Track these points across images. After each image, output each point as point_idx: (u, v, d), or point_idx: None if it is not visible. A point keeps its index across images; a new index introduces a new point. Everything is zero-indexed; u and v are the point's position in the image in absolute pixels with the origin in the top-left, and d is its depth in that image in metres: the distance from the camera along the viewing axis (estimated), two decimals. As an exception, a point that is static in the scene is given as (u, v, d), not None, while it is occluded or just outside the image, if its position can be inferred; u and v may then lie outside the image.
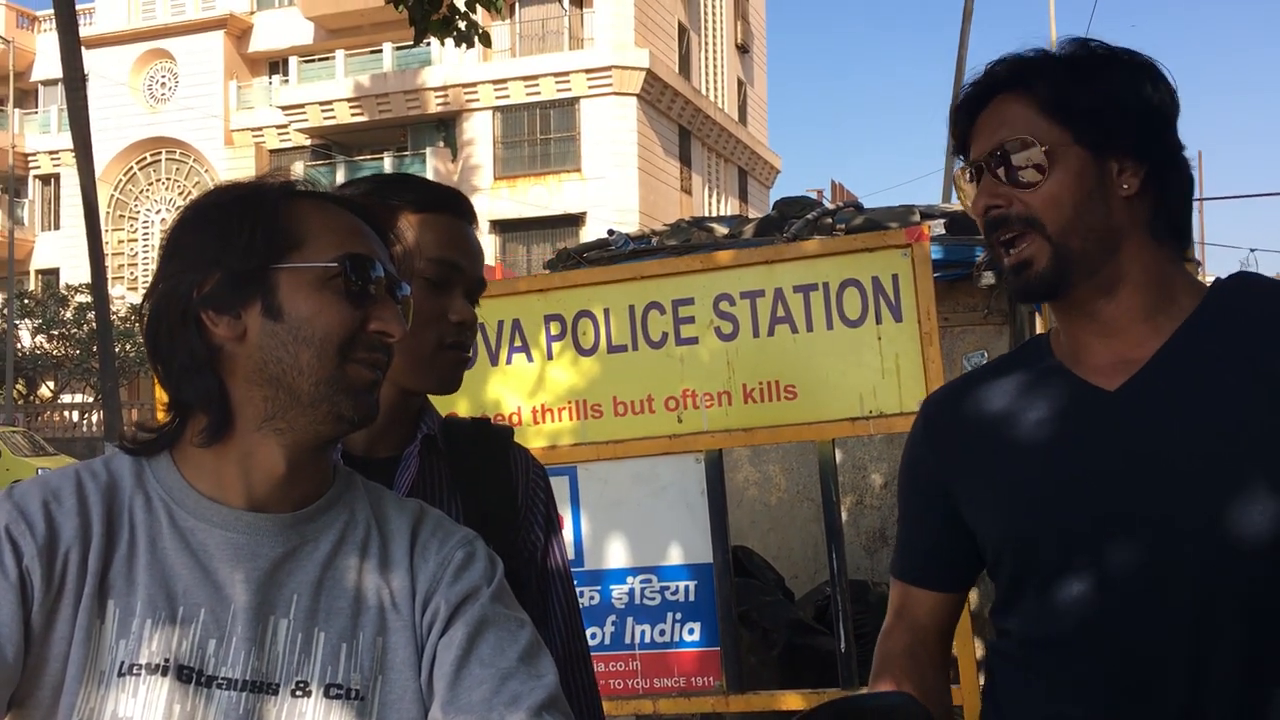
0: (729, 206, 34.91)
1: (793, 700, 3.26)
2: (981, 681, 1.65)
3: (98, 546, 1.10)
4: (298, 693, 1.12)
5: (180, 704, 1.07)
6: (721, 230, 5.86)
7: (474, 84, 30.01)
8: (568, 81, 29.40)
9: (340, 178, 29.71)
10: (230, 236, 1.14)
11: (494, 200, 29.40)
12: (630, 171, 28.79)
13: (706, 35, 34.87)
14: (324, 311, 1.14)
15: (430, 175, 24.56)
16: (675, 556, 3.35)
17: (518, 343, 3.44)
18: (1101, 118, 1.34)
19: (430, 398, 1.60)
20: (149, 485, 1.16)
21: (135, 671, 1.08)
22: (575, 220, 28.69)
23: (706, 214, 31.46)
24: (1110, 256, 1.35)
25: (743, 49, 37.50)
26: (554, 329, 3.43)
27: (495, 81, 29.88)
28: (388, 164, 30.30)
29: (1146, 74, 1.36)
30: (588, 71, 29.24)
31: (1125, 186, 1.34)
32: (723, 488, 3.31)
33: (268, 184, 1.20)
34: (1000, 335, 5.21)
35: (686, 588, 3.33)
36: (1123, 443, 1.33)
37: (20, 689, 1.06)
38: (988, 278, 4.92)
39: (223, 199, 1.18)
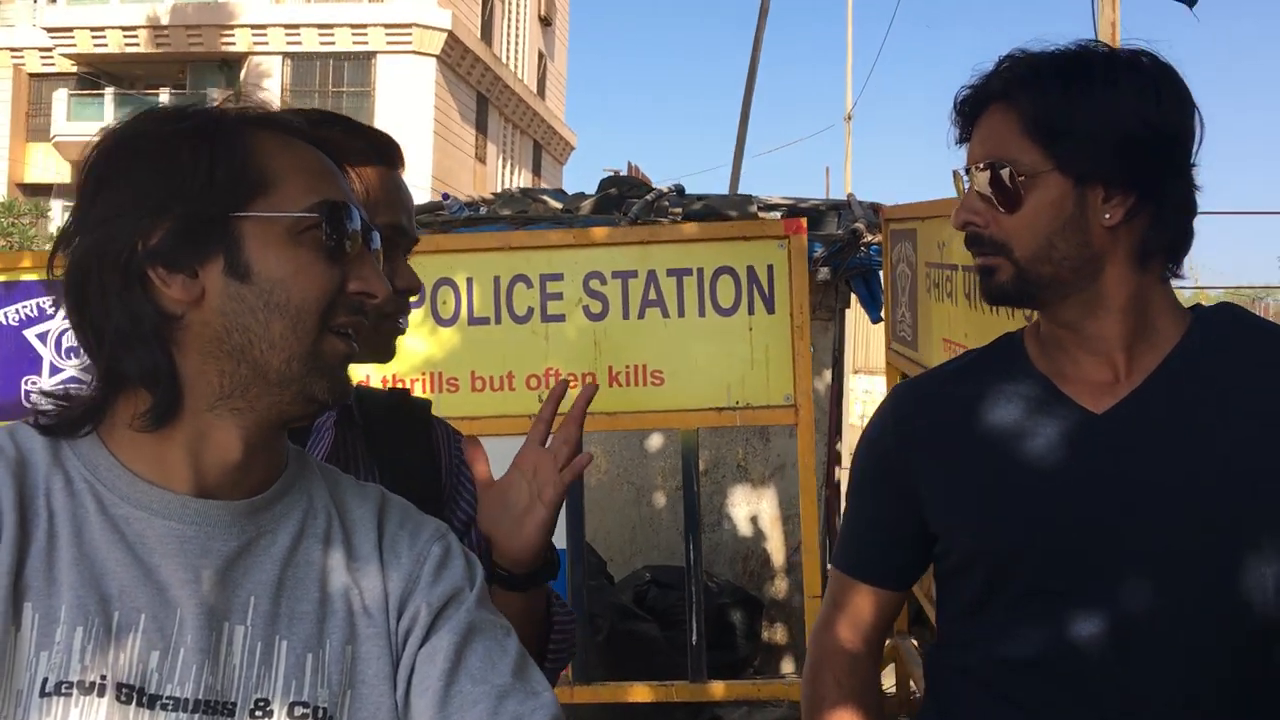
0: (522, 179, 34.57)
1: (640, 692, 3.19)
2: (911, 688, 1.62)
3: (9, 538, 0.90)
4: (257, 713, 0.94)
5: None
6: (555, 205, 5.71)
7: (263, 25, 28.43)
8: (365, 34, 28.29)
9: (110, 110, 27.63)
10: (185, 174, 0.94)
11: (279, 151, 27.96)
12: (425, 135, 27.98)
13: (510, 3, 34.35)
14: (301, 272, 0.96)
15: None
16: (526, 541, 3.21)
17: (371, 307, 3.21)
18: (1087, 145, 1.26)
19: None
20: (68, 464, 0.95)
21: (65, 691, 0.88)
22: (364, 179, 27.65)
23: (500, 185, 31.03)
24: (1090, 281, 1.31)
25: (545, 21, 37.17)
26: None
27: (287, 26, 28.42)
28: (164, 100, 28.30)
29: (1154, 89, 1.28)
30: (387, 26, 28.20)
31: (1108, 216, 1.28)
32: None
33: (223, 110, 1.00)
34: (826, 331, 5.30)
35: (537, 574, 3.20)
36: (1111, 467, 1.30)
37: None
38: (823, 273, 4.98)
39: (167, 127, 0.97)
